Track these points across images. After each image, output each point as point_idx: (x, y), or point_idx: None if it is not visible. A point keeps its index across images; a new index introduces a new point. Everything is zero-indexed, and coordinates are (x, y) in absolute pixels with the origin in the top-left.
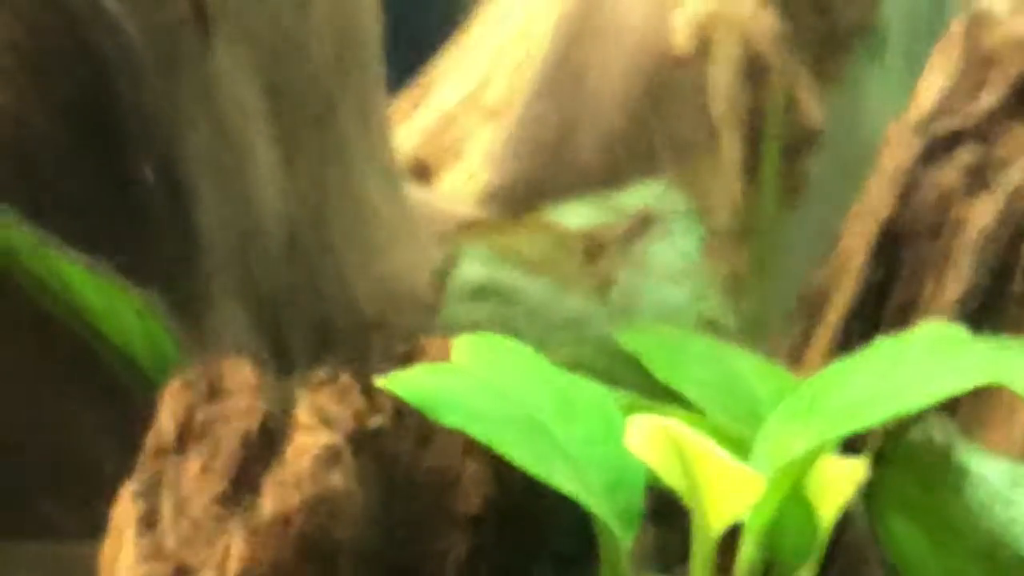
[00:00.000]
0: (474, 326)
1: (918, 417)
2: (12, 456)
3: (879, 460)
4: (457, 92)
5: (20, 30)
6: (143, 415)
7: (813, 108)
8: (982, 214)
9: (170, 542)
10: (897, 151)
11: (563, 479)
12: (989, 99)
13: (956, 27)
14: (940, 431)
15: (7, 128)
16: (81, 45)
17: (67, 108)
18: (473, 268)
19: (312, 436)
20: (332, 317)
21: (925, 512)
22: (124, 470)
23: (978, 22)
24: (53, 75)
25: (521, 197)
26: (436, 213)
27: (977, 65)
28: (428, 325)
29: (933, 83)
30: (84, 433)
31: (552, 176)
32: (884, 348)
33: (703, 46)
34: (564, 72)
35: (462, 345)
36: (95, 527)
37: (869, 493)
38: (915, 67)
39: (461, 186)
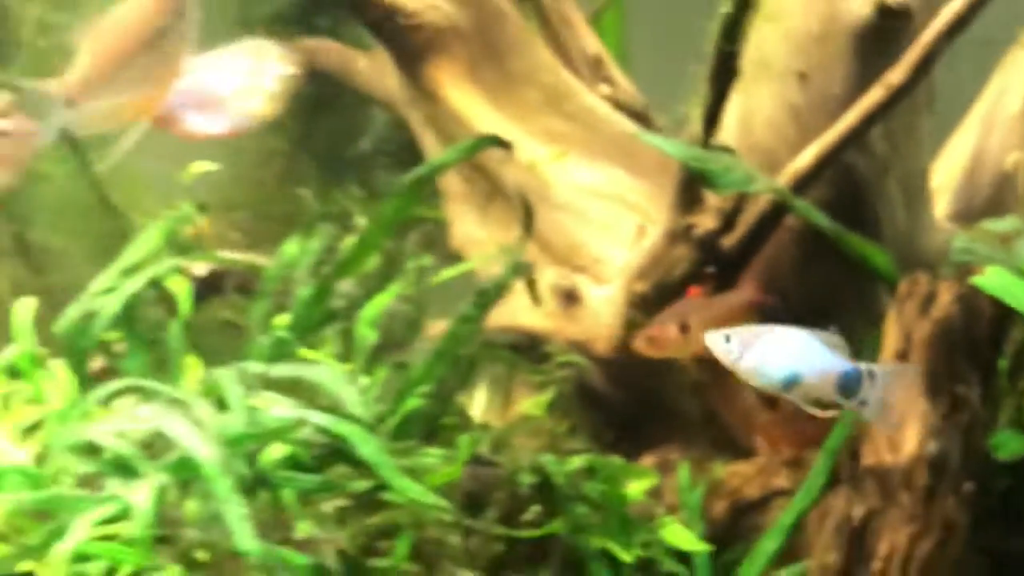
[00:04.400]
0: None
1: None
2: (824, 316)
3: None
4: (937, 178)
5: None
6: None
7: None
8: None
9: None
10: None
11: None
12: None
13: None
14: None
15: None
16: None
17: (835, 207)
18: (960, 242)
19: (941, 301)
20: (912, 260)
21: None
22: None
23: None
24: None
25: (959, 221)
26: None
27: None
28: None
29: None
30: (858, 304)
31: (971, 211)
32: None
33: None
34: (974, 163)
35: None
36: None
37: None
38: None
39: (938, 212)
